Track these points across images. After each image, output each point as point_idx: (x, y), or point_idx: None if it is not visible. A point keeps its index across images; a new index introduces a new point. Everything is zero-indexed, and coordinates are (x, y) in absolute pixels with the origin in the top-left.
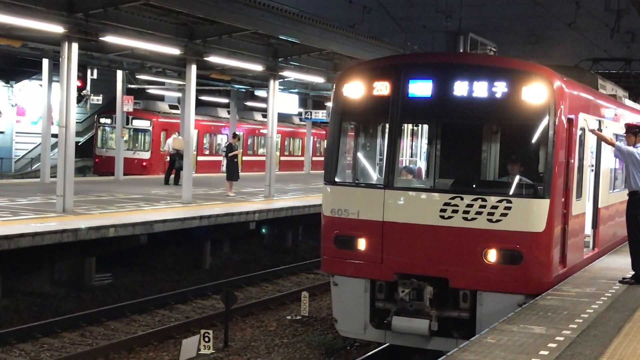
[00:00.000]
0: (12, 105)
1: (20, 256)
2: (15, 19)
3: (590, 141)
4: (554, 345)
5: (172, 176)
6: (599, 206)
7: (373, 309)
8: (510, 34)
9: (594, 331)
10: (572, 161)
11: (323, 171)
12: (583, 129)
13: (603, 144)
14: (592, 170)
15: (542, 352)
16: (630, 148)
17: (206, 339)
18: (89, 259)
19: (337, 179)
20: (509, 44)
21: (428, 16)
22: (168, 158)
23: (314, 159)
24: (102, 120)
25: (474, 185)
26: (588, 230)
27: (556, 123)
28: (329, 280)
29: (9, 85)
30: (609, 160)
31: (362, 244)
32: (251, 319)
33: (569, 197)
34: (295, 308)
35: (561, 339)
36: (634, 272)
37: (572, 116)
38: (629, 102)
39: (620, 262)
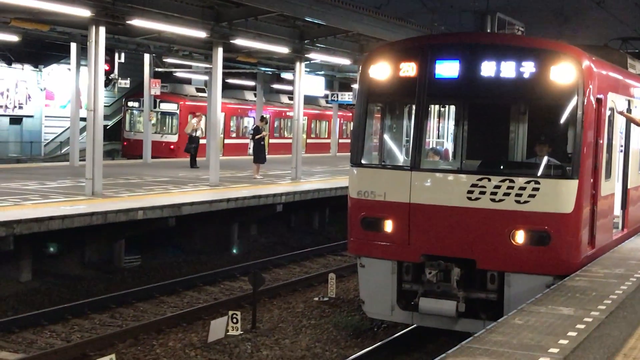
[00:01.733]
0: (41, 90)
1: (50, 239)
2: (43, 3)
3: (620, 121)
4: (582, 326)
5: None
6: (629, 187)
7: (400, 290)
8: (538, 13)
9: (622, 312)
10: (601, 141)
11: (349, 153)
12: (612, 109)
13: (632, 124)
14: (622, 150)
15: (570, 334)
16: None
17: (234, 320)
18: (119, 241)
19: (363, 161)
20: (537, 24)
21: None
22: None
23: (341, 141)
24: (130, 103)
25: (502, 167)
26: (617, 211)
27: (585, 103)
28: (356, 262)
29: (37, 69)
30: (638, 141)
31: (388, 225)
32: (279, 300)
33: (597, 177)
34: (323, 290)
35: (589, 320)
36: None
37: (601, 96)
38: None
39: None
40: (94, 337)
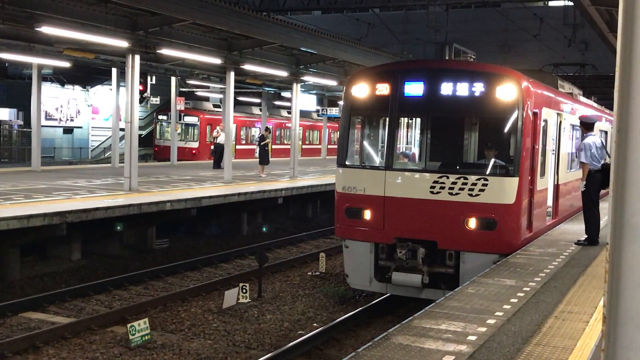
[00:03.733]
0: (88, 106)
1: (96, 225)
2: (90, 36)
3: (552, 130)
4: (522, 294)
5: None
6: (559, 183)
7: (377, 266)
8: (487, 44)
9: (554, 283)
10: (537, 147)
11: (336, 156)
12: (546, 121)
13: (562, 133)
14: (554, 153)
15: (512, 300)
16: (584, 141)
17: (244, 291)
18: (151, 227)
19: (347, 163)
20: (487, 53)
21: (420, 30)
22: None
23: (329, 147)
24: (160, 117)
25: (458, 167)
26: (550, 202)
27: (524, 116)
28: (342, 243)
29: (85, 89)
30: (566, 146)
31: (367, 214)
32: (279, 274)
33: (534, 175)
34: (315, 266)
35: (528, 289)
36: (586, 236)
37: (536, 110)
38: (583, 99)
39: (575, 228)
40: (131, 305)
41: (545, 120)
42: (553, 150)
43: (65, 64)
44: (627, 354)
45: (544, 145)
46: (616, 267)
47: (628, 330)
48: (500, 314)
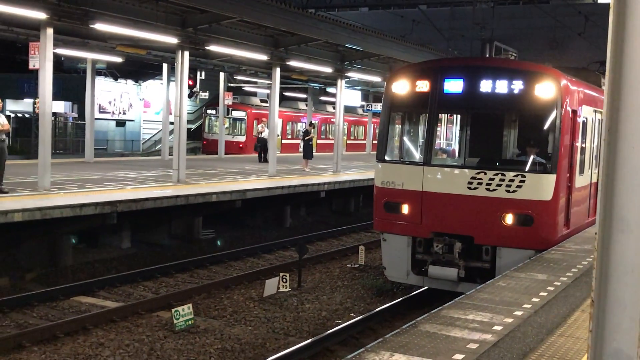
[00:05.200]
0: (140, 100)
1: (145, 215)
2: (142, 33)
3: (592, 128)
4: (552, 288)
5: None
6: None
7: (414, 259)
8: (534, 41)
9: (585, 278)
10: (576, 144)
11: (376, 152)
12: (586, 118)
13: (603, 130)
14: (594, 151)
15: (542, 293)
16: None
17: (284, 280)
18: (197, 218)
19: (386, 158)
20: (534, 50)
21: (466, 27)
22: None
23: (374, 142)
24: (209, 111)
25: (496, 163)
26: (590, 199)
27: (562, 114)
28: (380, 237)
29: (138, 84)
30: None
31: (405, 209)
32: (320, 266)
33: (573, 172)
34: (354, 258)
35: (558, 283)
36: None
37: (576, 108)
38: None
39: None
40: (177, 291)
41: (586, 118)
42: (594, 148)
43: (118, 59)
44: (614, 336)
45: (584, 143)
46: (605, 255)
47: (615, 313)
48: (528, 306)
